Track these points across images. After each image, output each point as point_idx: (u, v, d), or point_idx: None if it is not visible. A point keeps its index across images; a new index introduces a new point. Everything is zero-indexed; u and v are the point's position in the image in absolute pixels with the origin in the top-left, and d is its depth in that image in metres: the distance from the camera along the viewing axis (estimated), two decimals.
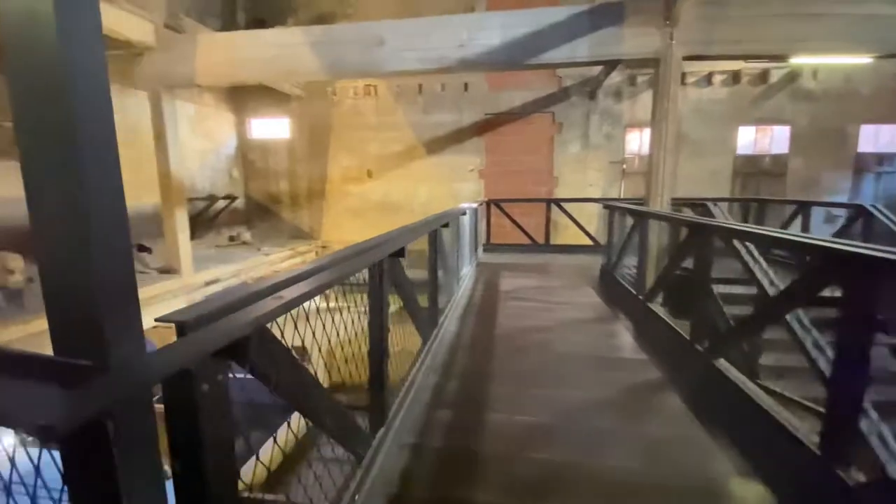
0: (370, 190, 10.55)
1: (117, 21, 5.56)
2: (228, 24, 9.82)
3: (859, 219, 5.66)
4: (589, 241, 8.43)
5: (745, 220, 7.71)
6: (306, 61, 5.80)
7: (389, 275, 1.92)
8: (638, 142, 9.75)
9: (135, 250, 7.48)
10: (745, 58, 6.79)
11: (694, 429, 2.35)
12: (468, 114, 9.98)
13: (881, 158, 9.17)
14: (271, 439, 1.71)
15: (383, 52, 5.58)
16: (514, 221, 8.54)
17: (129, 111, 7.34)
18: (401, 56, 5.56)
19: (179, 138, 6.59)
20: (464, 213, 4.82)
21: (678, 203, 6.00)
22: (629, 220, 5.25)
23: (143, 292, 5.94)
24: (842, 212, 9.20)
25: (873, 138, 9.16)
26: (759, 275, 2.89)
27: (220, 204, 9.94)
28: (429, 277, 3.21)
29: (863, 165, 9.24)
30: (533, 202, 9.29)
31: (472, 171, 10.16)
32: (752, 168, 9.54)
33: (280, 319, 1.00)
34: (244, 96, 10.60)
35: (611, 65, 8.09)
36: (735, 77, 9.21)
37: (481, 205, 7.26)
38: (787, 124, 9.31)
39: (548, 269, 6.79)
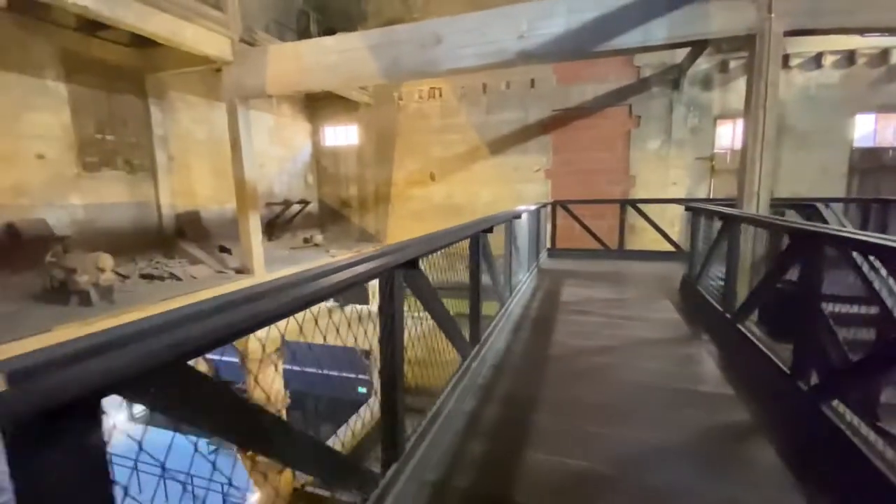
0: (433, 192, 10.48)
1: (197, 38, 5.97)
2: (304, 36, 10.30)
3: None
4: (670, 247, 7.58)
5: (865, 226, 6.43)
6: (366, 65, 5.80)
7: (401, 288, 1.68)
8: (730, 135, 8.63)
9: (216, 251, 8.06)
10: (862, 31, 5.65)
11: (793, 493, 1.83)
12: (534, 111, 9.51)
13: None
14: None
15: (440, 50, 5.40)
16: (582, 224, 7.94)
17: (216, 123, 7.91)
18: (458, 53, 5.34)
19: (259, 147, 6.96)
20: (518, 217, 4.46)
21: (779, 204, 5.12)
22: (717, 225, 4.54)
23: (220, 291, 6.36)
24: None
25: None
26: (886, 297, 2.26)
27: (295, 208, 10.44)
28: (470, 288, 2.93)
29: None
30: (605, 203, 8.59)
31: (537, 171, 9.67)
32: (872, 163, 8.01)
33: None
34: (318, 106, 11.07)
35: (697, 48, 7.24)
36: (850, 58, 7.79)
37: (545, 207, 6.81)
38: None
39: (619, 279, 6.16)
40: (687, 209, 5.24)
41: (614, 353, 3.42)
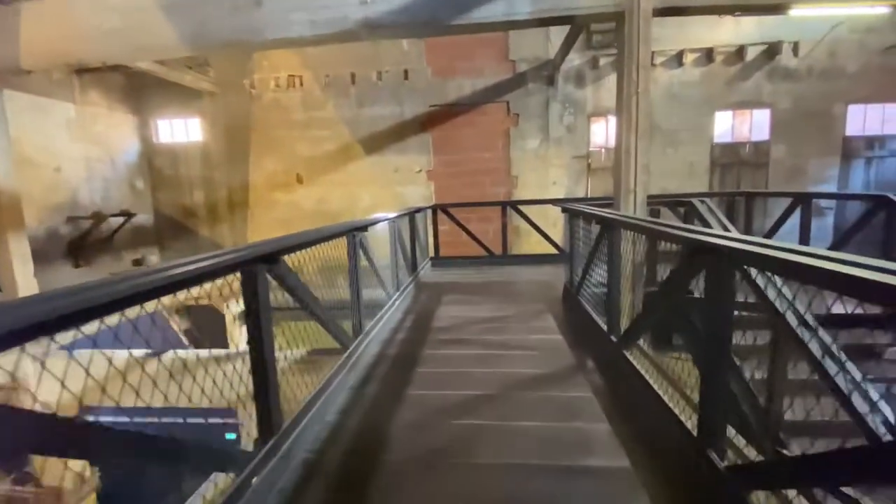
0: (302, 197, 9.03)
1: None
2: None
3: (878, 212, 4.52)
4: (554, 250, 7.16)
5: (731, 219, 6.60)
6: (161, 31, 4.30)
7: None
8: (604, 133, 8.57)
9: None
10: (735, 10, 5.62)
11: None
12: (410, 105, 8.60)
13: (871, 142, 8.26)
14: None
15: (261, 14, 4.14)
16: (464, 229, 7.19)
17: None
18: (284, 19, 4.14)
19: (51, 144, 5.04)
20: (363, 229, 3.41)
21: (656, 203, 4.77)
22: (595, 228, 3.95)
23: None
24: (832, 203, 8.27)
25: (861, 120, 8.23)
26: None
27: (115, 222, 8.24)
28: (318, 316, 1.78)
29: (851, 151, 8.31)
30: (486, 206, 7.98)
31: (419, 171, 8.77)
32: (731, 158, 8.49)
33: None
34: (146, 94, 8.94)
35: (568, 40, 6.88)
36: (709, 55, 8.15)
37: (416, 212, 5.91)
38: (767, 107, 8.30)
39: (502, 290, 5.45)
40: (564, 211, 4.65)
41: (486, 409, 2.52)
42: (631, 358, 2.68)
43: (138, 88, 8.85)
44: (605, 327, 3.20)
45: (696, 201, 4.19)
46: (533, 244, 8.27)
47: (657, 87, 8.27)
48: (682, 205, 4.43)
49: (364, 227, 3.30)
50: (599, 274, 3.79)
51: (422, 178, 8.78)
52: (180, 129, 9.27)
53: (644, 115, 4.07)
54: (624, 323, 3.03)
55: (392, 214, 4.38)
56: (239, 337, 7.49)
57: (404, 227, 5.42)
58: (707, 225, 4.00)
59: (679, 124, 8.36)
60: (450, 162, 8.66)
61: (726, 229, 3.87)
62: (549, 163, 8.57)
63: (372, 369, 3.09)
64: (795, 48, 8.03)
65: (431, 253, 7.17)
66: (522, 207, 7.08)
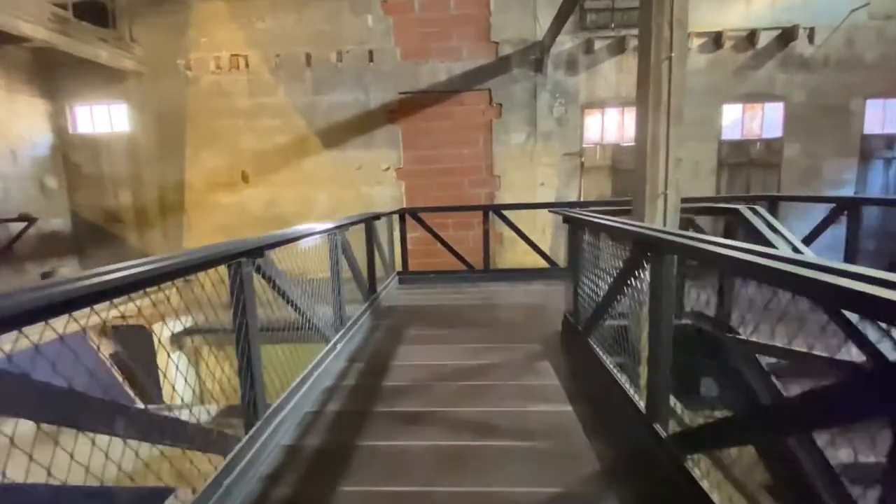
0: (248, 199, 7.69)
1: None
2: None
3: None
4: (544, 262, 6.04)
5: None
6: None
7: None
8: (598, 127, 7.51)
9: None
10: None
11: None
12: (377, 92, 7.36)
13: (891, 140, 7.43)
14: None
15: None
16: (438, 238, 6.00)
17: None
18: None
19: None
20: (267, 248, 2.18)
21: (692, 209, 3.66)
22: (611, 248, 2.81)
23: None
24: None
25: (880, 116, 7.39)
26: None
27: (14, 228, 6.75)
28: None
29: (869, 150, 7.46)
30: (464, 211, 6.82)
31: (386, 169, 7.54)
32: (740, 157, 7.54)
33: None
34: (58, 74, 7.46)
35: (558, 21, 5.77)
36: (716, 40, 7.17)
37: (378, 219, 4.69)
38: (780, 101, 7.38)
39: (483, 318, 4.27)
40: (566, 221, 3.50)
41: None
42: (691, 469, 1.54)
43: (48, 67, 7.36)
44: (641, 405, 2.06)
45: (744, 208, 3.09)
46: (519, 255, 7.16)
47: None
48: (722, 213, 3.33)
49: (260, 250, 2.07)
50: (623, 313, 2.66)
51: (390, 177, 7.55)
52: (103, 118, 7.81)
53: (678, 89, 2.96)
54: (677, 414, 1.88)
55: (328, 224, 3.14)
56: (173, 370, 6.11)
57: (358, 238, 4.20)
58: (760, 239, 2.91)
59: (685, 118, 7.33)
60: (423, 158, 7.46)
61: (796, 248, 2.79)
62: (536, 161, 7.46)
63: (269, 486, 1.85)
64: (811, 34, 7.13)
65: (399, 266, 5.95)
66: (508, 213, 5.93)
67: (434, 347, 3.47)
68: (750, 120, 7.47)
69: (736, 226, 3.21)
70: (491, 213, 5.90)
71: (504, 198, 7.48)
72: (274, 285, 2.30)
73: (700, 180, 7.53)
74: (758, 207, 3.14)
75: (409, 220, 5.99)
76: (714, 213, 3.53)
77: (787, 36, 7.12)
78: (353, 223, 3.83)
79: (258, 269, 2.07)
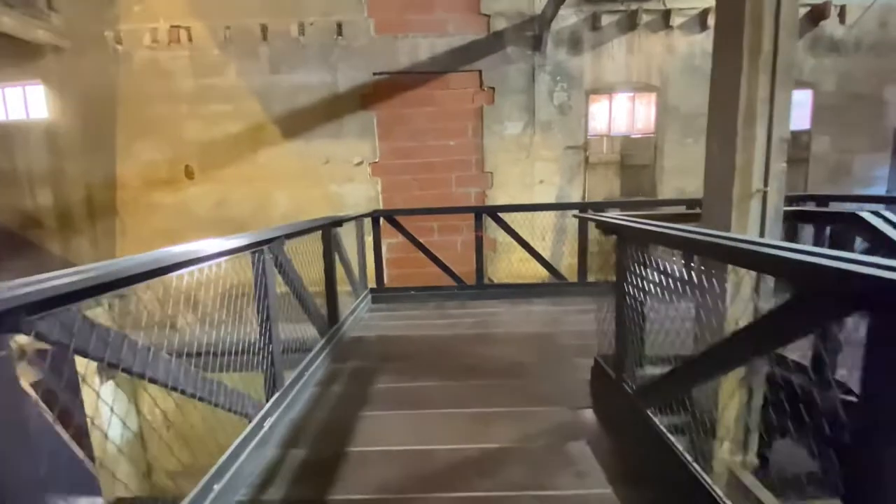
0: (193, 199, 6.46)
1: None
2: None
3: None
4: (543, 272, 5.02)
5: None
6: None
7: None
8: (606, 116, 6.53)
9: None
10: None
11: None
12: (347, 73, 6.23)
13: None
14: None
15: None
16: (420, 247, 4.92)
17: None
18: None
19: None
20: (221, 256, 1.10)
21: (795, 211, 2.63)
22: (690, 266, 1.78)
23: None
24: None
25: None
26: None
27: None
28: None
29: None
30: (455, 213, 5.77)
31: (359, 164, 6.41)
32: None
33: None
34: None
35: None
36: None
37: (339, 225, 3.58)
38: (809, 88, 6.52)
39: (480, 359, 3.19)
40: (606, 230, 2.45)
41: None
42: None
43: None
44: None
45: (868, 214, 2.09)
46: (514, 264, 6.13)
47: (674, 57, 6.33)
48: (830, 219, 2.33)
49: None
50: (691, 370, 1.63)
51: (363, 173, 6.43)
52: (16, 101, 6.48)
53: (789, 29, 1.93)
54: None
55: (242, 239, 1.99)
56: (100, 402, 4.82)
57: (311, 251, 3.10)
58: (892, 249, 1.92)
59: (701, 106, 6.40)
60: (402, 151, 6.36)
61: None
62: (534, 154, 6.44)
63: None
64: (842, 13, 6.29)
65: (373, 281, 4.84)
66: (504, 215, 4.88)
67: (415, 416, 2.39)
68: None
69: (849, 235, 2.21)
70: (484, 217, 4.83)
71: (497, 197, 6.44)
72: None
73: None
74: (882, 210, 2.15)
75: (386, 225, 4.89)
76: (817, 220, 2.53)
77: (816, 14, 6.26)
78: (297, 233, 2.71)
79: None
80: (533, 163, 6.44)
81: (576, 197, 6.54)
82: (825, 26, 6.33)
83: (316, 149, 6.33)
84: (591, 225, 4.90)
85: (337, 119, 6.28)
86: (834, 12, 6.27)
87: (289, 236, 2.55)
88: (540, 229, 5.98)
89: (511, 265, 6.33)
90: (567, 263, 6.43)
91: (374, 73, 6.20)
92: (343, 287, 4.16)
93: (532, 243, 5.08)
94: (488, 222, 5.25)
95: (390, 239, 6.14)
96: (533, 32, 6.16)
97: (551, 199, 6.46)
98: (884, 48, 6.40)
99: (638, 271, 2.20)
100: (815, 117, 6.55)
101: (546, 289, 4.80)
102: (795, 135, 6.62)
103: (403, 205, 6.37)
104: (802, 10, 6.27)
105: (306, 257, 3.07)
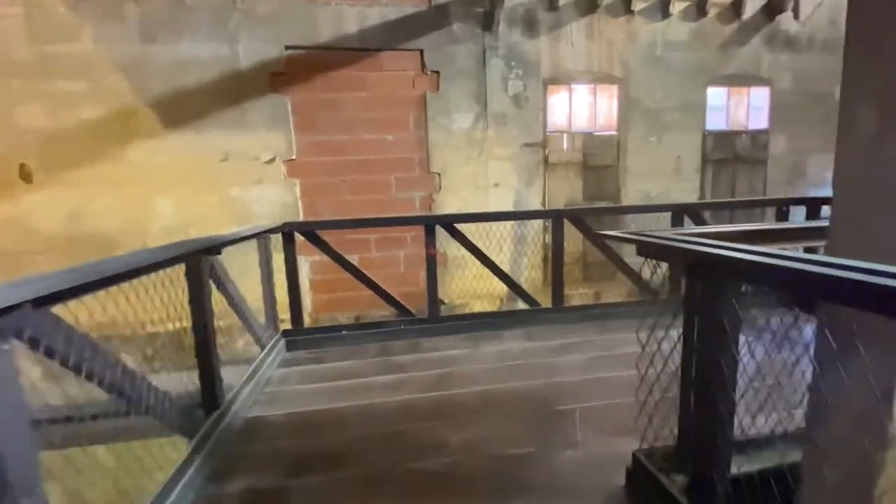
0: (33, 209, 4.70)
1: None
2: None
3: None
4: (498, 289, 4.03)
5: None
6: None
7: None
8: (566, 109, 5.73)
9: None
10: None
11: None
12: (251, 45, 4.85)
13: None
14: None
15: None
16: (351, 270, 3.69)
17: None
18: None
19: None
20: None
21: None
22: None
23: None
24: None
25: None
26: None
27: None
28: None
29: None
30: (398, 225, 4.61)
31: (270, 161, 5.04)
32: (725, 151, 6.23)
33: None
34: None
35: None
36: (700, 6, 5.77)
37: (218, 251, 2.31)
38: (766, 85, 6.21)
39: (453, 460, 2.06)
40: (690, 271, 1.44)
41: None
42: None
43: None
44: None
45: None
46: (469, 281, 5.11)
47: (636, 46, 5.68)
48: None
49: None
50: None
51: (276, 174, 5.06)
52: None
53: None
54: None
55: None
56: None
57: (170, 295, 1.80)
58: None
59: (664, 101, 5.86)
60: (327, 146, 5.09)
61: None
62: (488, 152, 5.47)
63: None
64: (796, 8, 6.03)
65: (289, 317, 3.53)
66: (460, 225, 3.80)
67: None
68: (735, 107, 6.19)
69: None
70: (437, 228, 3.71)
71: (446, 203, 5.38)
72: None
73: (683, 179, 6.09)
74: None
75: (304, 241, 3.61)
76: None
77: (773, 7, 5.94)
78: (107, 280, 1.40)
79: None
80: (486, 162, 5.47)
81: (535, 201, 5.67)
82: (781, 21, 6.04)
83: (210, 142, 4.86)
84: (580, 236, 4.02)
85: (238, 104, 4.87)
86: (790, 7, 5.99)
87: (82, 290, 1.25)
88: (497, 239, 4.99)
89: (465, 283, 5.30)
90: (529, 277, 5.52)
91: (287, 47, 4.89)
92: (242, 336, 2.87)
93: (489, 256, 4.04)
94: (438, 233, 4.16)
95: (314, 256, 4.85)
96: (483, 8, 5.21)
97: (508, 204, 5.53)
98: (834, 46, 6.24)
99: (730, 326, 1.23)
100: (773, 116, 6.25)
101: (517, 317, 3.80)
102: (754, 134, 6.28)
103: (330, 213, 5.10)
104: (759, 3, 5.93)
105: (160, 305, 1.79)
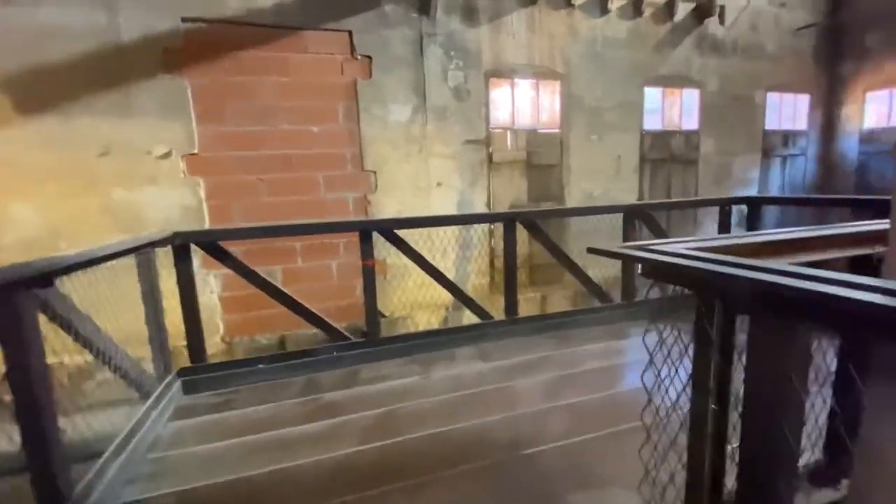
0: None
1: None
2: None
3: None
4: (445, 296, 3.58)
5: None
6: None
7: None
8: (508, 105, 5.41)
9: None
10: None
11: None
12: (135, 14, 3.96)
13: (786, 137, 7.03)
14: None
15: None
16: (265, 288, 3.02)
17: None
18: None
19: None
20: None
21: None
22: None
23: None
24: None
25: (778, 111, 6.94)
26: None
27: None
28: None
29: (770, 147, 6.95)
30: (323, 232, 3.96)
31: (165, 157, 4.16)
32: (662, 152, 6.28)
33: None
34: None
35: None
36: (636, 4, 5.73)
37: (49, 282, 1.63)
38: (697, 87, 6.34)
39: None
40: (729, 301, 1.03)
41: None
42: None
43: None
44: None
45: None
46: (410, 291, 4.61)
47: (577, 41, 5.50)
48: None
49: None
50: None
51: (173, 172, 4.20)
52: None
53: None
54: None
55: None
56: None
57: None
58: None
59: (604, 99, 5.76)
60: (239, 139, 4.32)
61: None
62: (429, 149, 4.99)
63: None
64: (722, 13, 6.22)
65: (185, 352, 2.80)
66: (403, 231, 3.29)
67: None
68: (670, 107, 6.26)
69: None
70: (375, 235, 3.16)
71: (384, 205, 4.83)
72: None
73: (622, 179, 6.04)
74: None
75: (206, 255, 2.89)
76: None
77: (702, 10, 6.06)
78: None
79: None
80: (427, 160, 4.99)
81: (479, 203, 5.29)
82: (709, 25, 6.19)
83: (83, 131, 3.90)
84: (525, 238, 3.65)
85: (121, 85, 3.96)
86: (716, 12, 6.16)
87: None
88: (440, 244, 4.53)
89: (407, 292, 4.78)
90: (476, 284, 5.13)
91: (185, 19, 4.06)
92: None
93: (433, 262, 3.56)
94: (376, 239, 3.60)
95: (225, 269, 4.07)
96: None
97: (452, 205, 5.10)
98: (754, 51, 6.54)
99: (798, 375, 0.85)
100: (702, 118, 6.41)
101: (468, 333, 3.35)
102: (687, 135, 6.39)
103: (246, 218, 4.35)
104: (690, 6, 6.03)
105: None
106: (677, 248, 1.23)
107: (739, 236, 1.46)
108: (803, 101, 6.98)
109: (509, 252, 3.35)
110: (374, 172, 4.76)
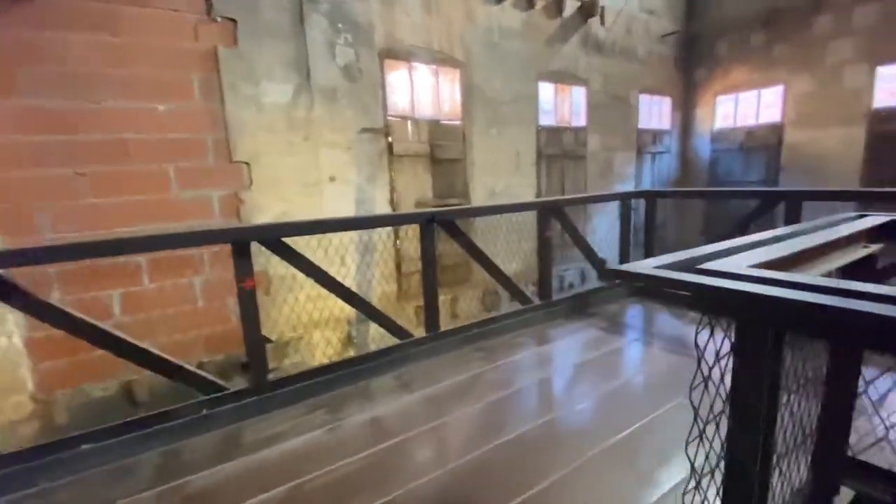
0: None
1: None
2: None
3: None
4: (346, 310, 3.00)
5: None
6: None
7: None
8: (408, 91, 4.88)
9: None
10: None
11: None
12: None
13: (654, 136, 7.69)
14: None
15: None
16: (71, 328, 2.08)
17: None
18: None
19: None
20: None
21: None
22: None
23: None
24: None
25: (648, 112, 7.54)
26: None
27: None
28: None
29: (642, 145, 7.53)
30: (176, 247, 2.99)
31: None
32: (555, 147, 6.35)
33: None
34: None
35: None
36: None
37: None
38: (583, 85, 6.54)
39: None
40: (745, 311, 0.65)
41: None
42: None
43: None
44: None
45: None
46: (303, 306, 3.87)
47: (475, 28, 5.21)
48: None
49: None
50: None
51: None
52: None
53: None
54: None
55: None
56: None
57: None
58: None
59: (503, 91, 5.57)
60: (41, 118, 3.08)
61: None
62: (318, 137, 4.23)
63: None
64: (603, 15, 6.48)
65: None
66: (291, 238, 2.57)
67: None
68: (561, 104, 6.35)
69: None
70: (254, 246, 2.39)
71: (263, 204, 3.94)
72: None
73: (522, 174, 5.96)
74: None
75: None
76: None
77: (586, 10, 6.23)
78: None
79: None
80: (316, 150, 4.22)
81: (381, 200, 4.69)
82: (592, 25, 6.40)
83: None
84: (443, 237, 3.16)
85: None
86: (598, 12, 6.38)
87: None
88: (337, 249, 3.84)
89: (297, 309, 3.99)
90: (382, 293, 4.55)
91: None
92: None
93: (329, 271, 2.88)
94: (256, 250, 2.80)
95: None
96: None
97: (349, 204, 4.43)
98: (629, 54, 6.97)
99: None
100: (589, 115, 6.64)
101: (386, 359, 2.77)
102: (576, 132, 6.56)
103: (58, 228, 3.14)
104: (576, 4, 6.15)
105: None
106: (737, 264, 0.85)
107: (780, 242, 1.15)
108: (667, 102, 7.71)
109: (428, 259, 2.85)
110: (247, 164, 3.85)
